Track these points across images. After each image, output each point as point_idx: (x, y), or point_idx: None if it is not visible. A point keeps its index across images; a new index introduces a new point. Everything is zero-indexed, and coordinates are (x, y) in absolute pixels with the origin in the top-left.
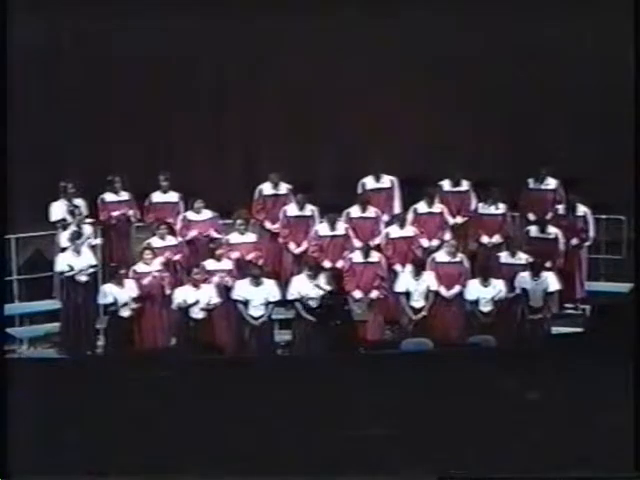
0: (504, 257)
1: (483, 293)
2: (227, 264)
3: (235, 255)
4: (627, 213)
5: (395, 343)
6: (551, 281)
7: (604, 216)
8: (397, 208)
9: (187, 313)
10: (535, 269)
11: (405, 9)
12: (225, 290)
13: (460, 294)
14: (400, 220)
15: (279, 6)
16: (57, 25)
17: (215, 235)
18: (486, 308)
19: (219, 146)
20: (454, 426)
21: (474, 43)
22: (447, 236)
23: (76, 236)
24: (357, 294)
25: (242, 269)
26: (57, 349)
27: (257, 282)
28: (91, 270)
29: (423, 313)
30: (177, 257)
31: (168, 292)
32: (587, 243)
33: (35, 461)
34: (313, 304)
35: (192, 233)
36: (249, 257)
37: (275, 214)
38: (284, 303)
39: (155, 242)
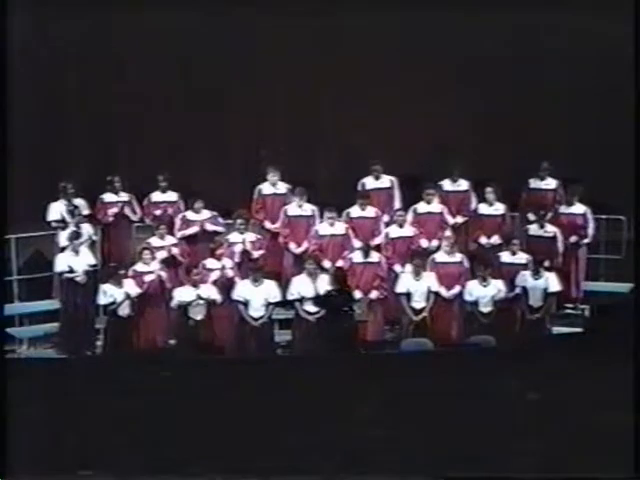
0: (504, 256)
1: (483, 293)
2: (227, 263)
3: (238, 249)
4: (627, 213)
5: (395, 343)
6: (552, 281)
7: (604, 216)
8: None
9: (187, 313)
10: (534, 267)
11: (405, 8)
12: (225, 290)
13: (460, 294)
14: (398, 217)
15: (279, 5)
16: (57, 24)
17: (216, 229)
18: (486, 308)
19: (219, 146)
20: (454, 426)
21: (474, 43)
22: (447, 236)
23: (75, 236)
24: (357, 294)
25: (243, 265)
26: (57, 349)
27: (257, 282)
28: (90, 270)
29: (424, 314)
30: (177, 256)
31: (168, 292)
32: (586, 240)
33: (35, 461)
34: (314, 304)
35: (192, 230)
36: (248, 248)
37: (275, 214)
38: (284, 303)
39: (155, 242)
